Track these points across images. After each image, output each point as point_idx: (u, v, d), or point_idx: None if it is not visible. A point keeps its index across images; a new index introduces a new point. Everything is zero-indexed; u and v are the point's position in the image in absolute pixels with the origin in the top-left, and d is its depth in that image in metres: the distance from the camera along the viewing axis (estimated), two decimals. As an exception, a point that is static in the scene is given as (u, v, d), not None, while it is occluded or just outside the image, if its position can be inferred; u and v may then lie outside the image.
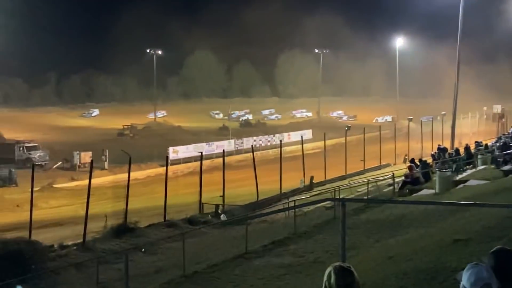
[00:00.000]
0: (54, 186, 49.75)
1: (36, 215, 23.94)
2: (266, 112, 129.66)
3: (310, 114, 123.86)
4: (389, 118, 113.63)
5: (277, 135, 75.77)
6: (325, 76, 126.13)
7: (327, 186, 37.44)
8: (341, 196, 26.86)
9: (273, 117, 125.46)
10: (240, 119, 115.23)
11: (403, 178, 28.11)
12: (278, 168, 36.28)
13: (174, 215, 27.42)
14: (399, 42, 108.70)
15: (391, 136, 56.72)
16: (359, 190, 32.50)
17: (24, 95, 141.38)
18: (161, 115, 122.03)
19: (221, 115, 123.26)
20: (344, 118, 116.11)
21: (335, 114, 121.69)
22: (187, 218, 26.70)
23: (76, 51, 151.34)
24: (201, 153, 38.59)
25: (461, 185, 24.32)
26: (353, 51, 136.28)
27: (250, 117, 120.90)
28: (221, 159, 36.16)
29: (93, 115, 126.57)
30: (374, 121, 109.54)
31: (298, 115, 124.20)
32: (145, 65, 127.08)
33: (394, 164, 49.62)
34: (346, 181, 38.60)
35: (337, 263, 4.89)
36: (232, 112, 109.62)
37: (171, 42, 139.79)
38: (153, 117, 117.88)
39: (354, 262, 12.09)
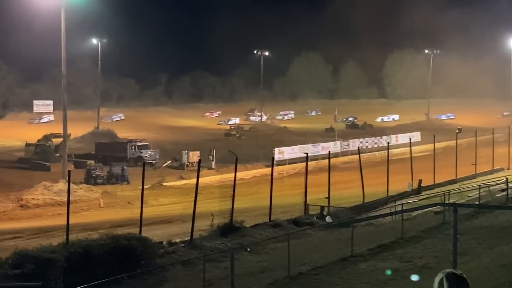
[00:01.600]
0: (164, 184, 51.04)
1: (146, 212, 24.58)
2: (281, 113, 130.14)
3: (292, 116, 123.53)
4: (396, 117, 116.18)
5: (384, 137, 74.59)
6: (436, 77, 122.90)
7: (436, 190, 36.41)
8: (451, 201, 26.09)
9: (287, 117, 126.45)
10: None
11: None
12: (384, 170, 35.63)
13: (279, 215, 27.47)
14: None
15: (504, 139, 54.57)
16: (470, 195, 31.45)
17: (136, 95, 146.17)
18: (118, 118, 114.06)
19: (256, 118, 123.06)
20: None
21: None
22: (292, 219, 26.67)
23: (186, 53, 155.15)
24: (307, 154, 38.48)
25: None
26: (465, 51, 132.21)
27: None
28: (326, 160, 35.94)
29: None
30: (379, 120, 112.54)
31: (286, 118, 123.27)
32: (252, 66, 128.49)
33: (508, 169, 47.72)
34: (456, 185, 37.45)
35: (449, 270, 4.68)
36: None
37: (277, 43, 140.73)
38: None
39: (465, 269, 11.65)
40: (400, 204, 29.95)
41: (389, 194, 34.67)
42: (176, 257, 19.99)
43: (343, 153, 67.52)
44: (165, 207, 40.97)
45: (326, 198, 31.09)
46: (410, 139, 50.38)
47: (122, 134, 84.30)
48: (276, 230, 24.38)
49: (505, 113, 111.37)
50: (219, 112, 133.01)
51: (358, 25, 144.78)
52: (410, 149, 41.92)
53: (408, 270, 14.98)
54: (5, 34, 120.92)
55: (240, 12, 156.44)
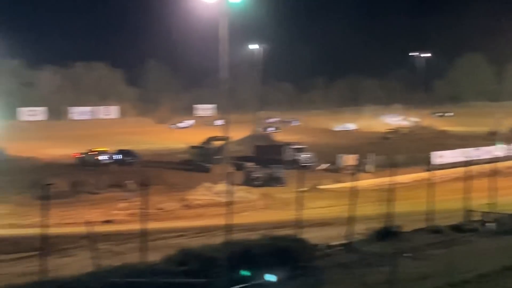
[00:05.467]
0: (320, 187, 51.19)
1: (302, 214, 24.81)
2: None
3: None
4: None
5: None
6: None
7: None
8: None
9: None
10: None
11: None
12: (554, 175, 33.63)
13: (439, 221, 26.74)
14: None
15: None
16: None
17: (294, 99, 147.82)
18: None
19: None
20: None
21: None
22: (452, 225, 25.91)
23: (343, 56, 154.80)
24: (469, 158, 37.17)
25: None
26: None
27: None
28: (489, 165, 34.50)
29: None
30: None
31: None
32: (410, 68, 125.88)
33: None
34: None
35: None
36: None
37: (438, 44, 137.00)
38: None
39: None
40: None
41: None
42: (334, 260, 20.06)
43: (508, 157, 64.41)
44: (321, 210, 41.06)
45: (489, 204, 29.88)
46: None
47: (279, 137, 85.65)
48: (436, 236, 23.80)
49: None
50: None
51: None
52: None
53: None
54: (169, 40, 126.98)
55: (398, 12, 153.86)
